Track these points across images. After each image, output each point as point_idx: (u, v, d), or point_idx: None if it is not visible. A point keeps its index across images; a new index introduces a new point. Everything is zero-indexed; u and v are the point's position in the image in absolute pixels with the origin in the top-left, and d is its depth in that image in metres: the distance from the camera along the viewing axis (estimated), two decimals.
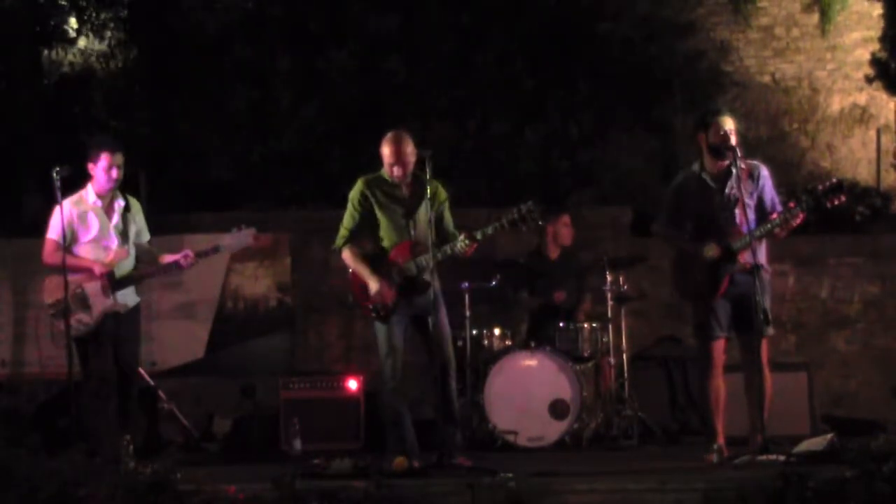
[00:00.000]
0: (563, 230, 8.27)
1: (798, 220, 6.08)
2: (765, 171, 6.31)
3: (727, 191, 6.20)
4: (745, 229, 6.11)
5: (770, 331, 6.18)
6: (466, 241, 6.04)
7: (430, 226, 6.07)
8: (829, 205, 6.02)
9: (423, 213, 6.17)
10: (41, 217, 6.83)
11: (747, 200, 6.16)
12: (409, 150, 6.22)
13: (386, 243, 6.29)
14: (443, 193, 6.35)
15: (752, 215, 6.17)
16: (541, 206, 6.06)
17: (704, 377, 6.31)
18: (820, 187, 6.04)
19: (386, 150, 6.25)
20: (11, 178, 10.12)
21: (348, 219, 6.36)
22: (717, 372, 6.26)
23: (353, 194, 6.35)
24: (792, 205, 6.10)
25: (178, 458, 4.94)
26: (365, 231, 6.35)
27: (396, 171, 6.21)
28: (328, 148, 10.60)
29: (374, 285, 6.20)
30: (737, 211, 6.16)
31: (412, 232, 6.20)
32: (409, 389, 6.40)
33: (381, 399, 6.47)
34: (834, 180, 6.06)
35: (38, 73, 11.08)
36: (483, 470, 5.67)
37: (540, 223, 6.10)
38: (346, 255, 6.36)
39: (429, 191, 6.11)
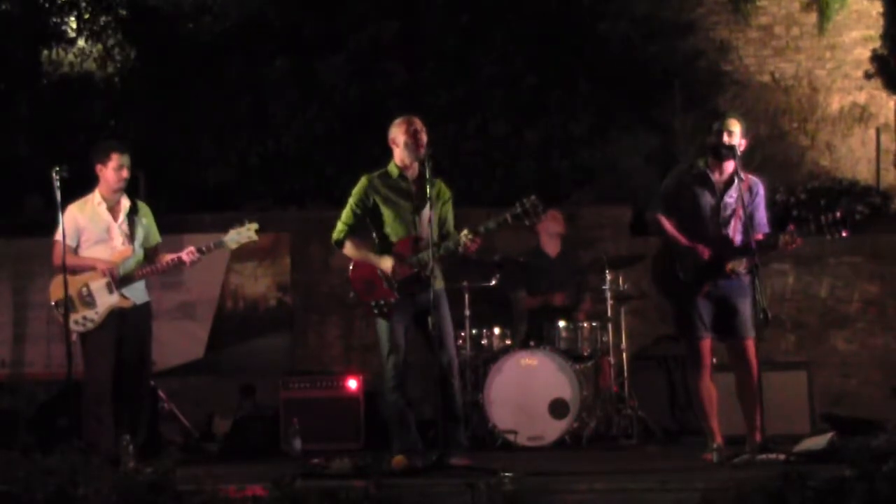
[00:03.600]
0: (552, 223, 8.25)
1: (795, 245, 6.05)
2: (762, 190, 6.30)
3: (728, 198, 6.19)
4: (737, 240, 6.12)
5: (752, 332, 6.15)
6: (470, 236, 6.01)
7: (431, 224, 6.05)
8: (829, 236, 5.99)
9: (427, 210, 6.14)
10: (41, 217, 6.87)
11: (740, 213, 6.16)
12: (422, 129, 6.20)
13: (392, 238, 6.26)
14: (446, 192, 6.33)
15: (741, 227, 6.16)
16: (542, 202, 6.04)
17: (694, 378, 6.31)
18: (823, 218, 5.94)
19: (399, 131, 6.21)
20: (11, 178, 10.13)
21: (346, 213, 6.33)
22: (706, 372, 6.25)
23: (355, 190, 6.33)
24: (792, 227, 6.08)
25: (178, 458, 4.93)
26: (367, 227, 6.33)
27: (409, 154, 6.16)
28: (327, 149, 10.60)
29: (386, 263, 6.17)
30: (732, 221, 6.16)
31: (417, 228, 6.18)
32: (411, 388, 6.38)
33: (383, 398, 6.44)
34: (838, 214, 5.96)
35: (38, 73, 11.09)
36: (483, 470, 5.67)
37: (542, 217, 6.06)
38: (348, 247, 6.33)
39: (429, 189, 6.07)
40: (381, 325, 6.21)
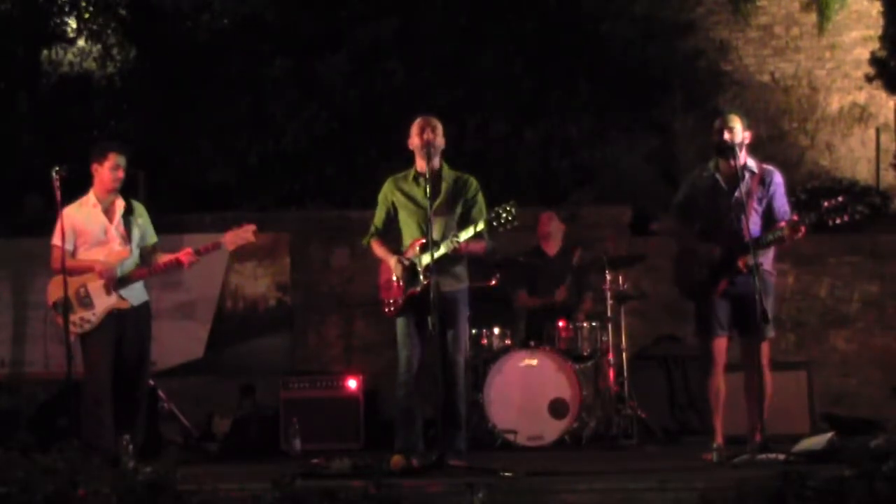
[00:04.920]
0: (544, 225, 8.28)
1: (800, 234, 6.05)
2: (778, 178, 6.28)
3: (736, 194, 6.19)
4: (749, 234, 6.11)
5: (771, 332, 6.17)
6: (455, 242, 6.05)
7: (430, 225, 6.04)
8: (831, 223, 5.98)
9: (441, 210, 6.17)
10: (41, 217, 6.85)
11: (755, 206, 6.15)
12: (434, 130, 6.21)
13: (408, 239, 6.33)
14: (471, 189, 6.33)
15: (757, 220, 6.16)
16: (519, 208, 5.98)
17: (705, 375, 6.33)
18: (825, 204, 5.96)
19: (413, 133, 6.24)
20: (11, 178, 10.13)
21: (376, 216, 6.45)
22: (718, 370, 6.27)
23: (381, 192, 6.43)
24: (795, 217, 6.08)
25: (178, 458, 4.92)
26: (392, 229, 6.41)
27: (422, 155, 6.19)
28: (327, 149, 10.60)
29: (392, 260, 6.25)
30: (743, 215, 6.16)
31: (426, 230, 6.17)
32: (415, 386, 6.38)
33: (394, 392, 6.44)
34: (840, 199, 5.97)
35: (38, 73, 11.09)
36: (482, 470, 5.66)
37: (516, 224, 6.02)
38: (374, 247, 6.44)
39: (428, 189, 6.09)
40: (398, 322, 6.30)
